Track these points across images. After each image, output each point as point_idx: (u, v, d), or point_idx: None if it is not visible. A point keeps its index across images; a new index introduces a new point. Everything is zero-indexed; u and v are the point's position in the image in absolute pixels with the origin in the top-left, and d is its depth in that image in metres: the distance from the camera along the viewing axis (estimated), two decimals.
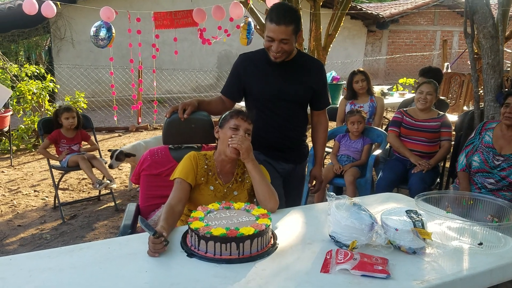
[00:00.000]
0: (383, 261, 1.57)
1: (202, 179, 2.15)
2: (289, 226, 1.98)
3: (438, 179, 3.73)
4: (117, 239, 1.87)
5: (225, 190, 2.18)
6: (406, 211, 1.78)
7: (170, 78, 10.84)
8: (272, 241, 1.77)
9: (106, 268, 1.57)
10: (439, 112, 3.73)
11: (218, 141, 2.21)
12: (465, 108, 6.44)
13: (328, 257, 1.63)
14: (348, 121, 3.95)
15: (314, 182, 2.85)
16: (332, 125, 5.22)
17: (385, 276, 1.49)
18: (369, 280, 1.48)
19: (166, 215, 1.87)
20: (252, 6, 7.36)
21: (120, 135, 8.04)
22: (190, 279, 1.50)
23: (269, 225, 1.73)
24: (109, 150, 4.57)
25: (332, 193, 1.82)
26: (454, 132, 3.86)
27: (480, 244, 1.72)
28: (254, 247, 1.65)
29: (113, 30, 6.55)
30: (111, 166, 4.43)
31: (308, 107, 2.71)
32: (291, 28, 2.29)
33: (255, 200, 2.23)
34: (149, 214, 2.54)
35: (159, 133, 8.13)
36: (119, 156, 4.43)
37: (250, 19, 7.16)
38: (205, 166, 2.17)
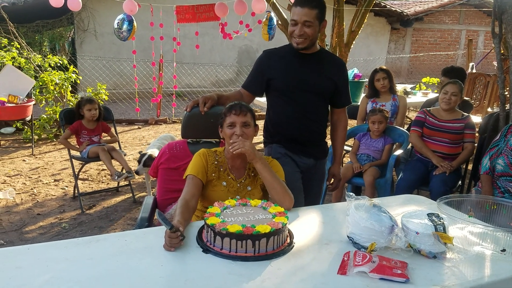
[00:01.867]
0: (403, 264, 1.54)
1: (214, 175, 2.14)
2: (306, 225, 1.96)
3: (460, 182, 3.65)
4: (134, 232, 1.88)
5: (238, 185, 2.17)
6: (428, 214, 1.74)
7: (190, 72, 10.88)
8: (288, 240, 1.74)
9: (122, 261, 1.57)
10: (463, 113, 3.65)
11: (225, 138, 2.19)
12: (489, 109, 6.29)
13: (345, 258, 1.60)
14: (370, 120, 3.89)
15: (332, 180, 2.85)
16: (353, 123, 5.17)
17: (404, 280, 1.46)
18: (388, 284, 1.45)
19: (182, 209, 1.87)
20: (274, 1, 7.32)
21: (139, 128, 8.11)
22: (204, 275, 1.48)
23: (286, 223, 1.71)
24: (139, 153, 4.27)
25: (351, 193, 1.79)
26: (477, 134, 3.77)
27: (503, 250, 1.66)
28: (270, 246, 1.63)
29: (135, 23, 6.59)
30: (137, 173, 4.12)
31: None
32: (315, 12, 2.33)
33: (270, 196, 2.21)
34: (166, 207, 2.55)
35: (178, 126, 8.17)
36: (148, 162, 4.03)
37: (272, 14, 7.11)
38: (215, 162, 2.16)
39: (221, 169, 2.16)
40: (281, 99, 2.56)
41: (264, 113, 2.93)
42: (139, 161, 4.08)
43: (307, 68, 2.50)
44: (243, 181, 2.19)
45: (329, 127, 2.81)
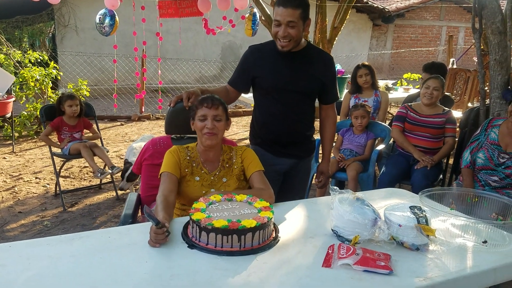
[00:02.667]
0: (386, 257, 1.56)
1: (187, 170, 2.13)
2: (291, 219, 1.97)
3: (441, 176, 3.71)
4: (118, 229, 1.86)
5: (212, 178, 2.16)
6: (410, 207, 1.76)
7: (174, 68, 10.80)
8: (273, 234, 1.75)
9: (106, 258, 1.56)
10: (444, 108, 3.70)
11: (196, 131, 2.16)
12: (469, 104, 6.39)
13: (330, 251, 1.62)
14: (352, 115, 3.92)
15: (320, 178, 2.81)
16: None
17: (387, 272, 1.48)
18: (371, 275, 1.47)
19: (163, 205, 1.85)
20: None
21: (122, 124, 8.03)
22: (190, 271, 1.48)
23: (271, 218, 1.71)
24: (125, 161, 4.05)
25: (335, 187, 1.80)
26: (458, 129, 3.82)
27: (485, 242, 1.70)
28: (256, 240, 1.64)
29: (117, 18, 6.51)
30: (121, 189, 3.95)
31: (317, 102, 2.68)
32: (298, 12, 2.27)
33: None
34: (150, 204, 2.53)
35: (161, 123, 8.12)
36: (131, 177, 3.88)
37: (255, 10, 7.10)
38: (187, 158, 2.15)
39: (194, 164, 2.15)
40: (266, 98, 2.52)
41: (249, 109, 2.92)
42: (122, 176, 3.92)
43: (293, 67, 2.45)
44: (217, 173, 2.17)
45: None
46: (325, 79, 2.53)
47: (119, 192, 4.43)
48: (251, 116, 2.76)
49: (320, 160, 2.82)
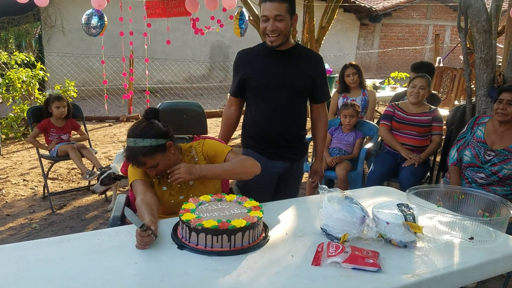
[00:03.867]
0: (374, 254, 1.57)
1: (154, 180, 2.09)
2: (281, 218, 1.97)
3: (429, 173, 3.75)
4: (107, 231, 1.85)
5: (178, 185, 2.11)
6: (398, 205, 1.78)
7: (162, 68, 10.76)
8: (263, 234, 1.76)
9: (95, 260, 1.55)
10: (431, 106, 3.74)
11: None
12: (456, 102, 6.46)
13: (319, 250, 1.63)
14: (341, 114, 3.94)
15: (314, 177, 2.81)
16: None
17: (376, 270, 1.49)
18: (360, 273, 1.48)
19: (145, 207, 1.80)
20: None
21: (110, 125, 7.98)
22: (180, 272, 1.48)
23: (261, 217, 1.72)
24: (101, 169, 3.92)
25: (324, 186, 1.82)
26: (445, 127, 3.87)
27: (471, 238, 1.72)
28: (246, 240, 1.64)
29: (105, 18, 6.47)
30: (93, 192, 3.76)
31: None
32: (285, 6, 2.28)
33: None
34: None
35: None
36: (105, 181, 3.68)
37: (243, 9, 7.10)
38: None
39: (159, 176, 2.10)
40: (258, 98, 2.52)
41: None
42: (97, 179, 3.77)
43: (283, 65, 2.46)
44: None
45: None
46: (316, 76, 2.53)
47: (108, 194, 4.40)
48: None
49: (310, 160, 2.83)
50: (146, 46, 7.11)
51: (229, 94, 2.65)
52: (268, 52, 2.44)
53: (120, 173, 3.72)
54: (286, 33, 2.35)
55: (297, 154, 2.66)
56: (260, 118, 2.53)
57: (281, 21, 2.29)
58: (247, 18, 7.12)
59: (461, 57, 9.54)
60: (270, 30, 2.31)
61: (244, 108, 2.66)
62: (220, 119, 2.78)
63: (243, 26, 7.01)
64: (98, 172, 4.12)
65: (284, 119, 2.51)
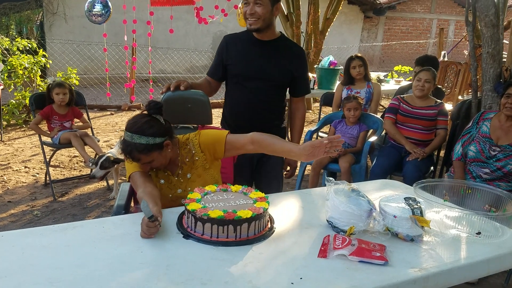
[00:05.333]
0: (381, 247, 1.56)
1: (150, 173, 2.07)
2: (287, 210, 1.96)
3: (432, 168, 3.73)
4: (112, 219, 1.85)
5: (176, 178, 2.09)
6: (405, 198, 1.77)
7: (164, 57, 10.71)
8: (269, 225, 1.75)
9: (100, 247, 1.54)
10: (437, 100, 3.72)
11: None
12: (460, 97, 6.43)
13: (325, 242, 1.62)
14: (345, 107, 3.91)
15: (288, 168, 2.87)
16: (328, 110, 5.21)
17: (382, 263, 1.48)
18: (367, 266, 1.47)
19: (150, 198, 1.76)
20: None
21: (112, 114, 7.96)
22: (186, 261, 1.48)
23: (267, 208, 1.71)
24: (97, 156, 3.91)
25: (331, 178, 1.80)
26: (450, 121, 3.85)
27: (478, 233, 1.71)
28: (252, 230, 1.63)
29: (110, 6, 6.43)
30: (93, 177, 3.74)
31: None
32: None
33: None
34: None
35: None
36: (104, 164, 3.71)
37: None
38: None
39: (155, 169, 2.08)
40: (236, 86, 2.59)
41: None
42: (95, 163, 3.77)
43: (263, 56, 2.51)
44: (180, 172, 2.09)
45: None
46: (296, 72, 2.59)
47: (110, 182, 4.40)
48: None
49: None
50: (149, 36, 7.06)
51: (206, 75, 2.71)
52: (251, 41, 2.52)
53: (119, 157, 3.77)
54: (265, 18, 2.40)
55: None
56: (236, 107, 2.61)
57: (260, 6, 2.36)
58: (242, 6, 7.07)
59: (465, 51, 9.49)
60: (249, 14, 2.39)
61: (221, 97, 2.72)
62: (221, 110, 2.80)
63: None
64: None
65: (259, 109, 2.57)
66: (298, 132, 2.80)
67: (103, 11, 6.13)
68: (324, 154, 1.75)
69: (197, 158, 2.10)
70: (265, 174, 2.71)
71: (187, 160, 2.10)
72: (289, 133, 2.97)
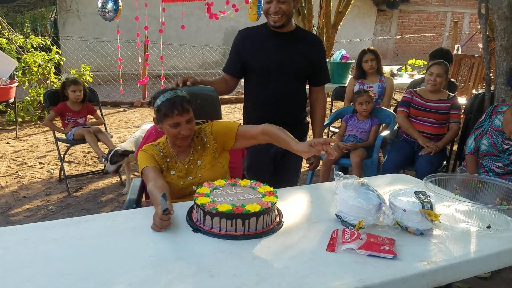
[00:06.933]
0: (390, 241, 1.56)
1: (163, 166, 2.09)
2: (295, 204, 1.97)
3: (445, 162, 3.70)
4: (123, 212, 1.87)
5: (186, 167, 2.11)
6: (415, 192, 1.76)
7: (176, 53, 10.75)
8: (277, 219, 1.76)
9: (112, 241, 1.57)
10: (450, 93, 3.68)
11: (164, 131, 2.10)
12: (473, 91, 6.35)
13: (334, 236, 1.62)
14: (356, 102, 3.89)
15: (312, 159, 2.87)
16: (340, 104, 5.18)
17: (391, 257, 1.48)
18: (376, 260, 1.47)
19: (161, 192, 1.77)
20: None
21: (125, 110, 8.02)
22: (195, 254, 1.49)
23: (275, 202, 1.72)
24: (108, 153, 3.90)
25: (340, 172, 1.80)
26: (463, 115, 3.80)
27: (489, 227, 1.70)
28: (260, 224, 1.65)
29: (120, 3, 6.46)
30: (106, 172, 3.84)
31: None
32: None
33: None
34: None
35: None
36: (113, 158, 3.76)
37: None
38: (161, 154, 2.10)
39: (168, 160, 2.11)
40: (257, 81, 2.56)
41: None
42: (106, 158, 3.82)
43: (282, 48, 2.50)
44: (191, 158, 2.13)
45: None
46: (316, 60, 2.58)
47: (123, 178, 4.45)
48: None
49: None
50: (161, 32, 7.09)
51: (223, 72, 2.67)
52: (268, 34, 2.51)
53: (128, 149, 3.83)
54: (289, 13, 2.41)
55: (296, 135, 2.68)
56: (260, 99, 2.58)
57: (284, 3, 2.36)
58: (263, 3, 7.06)
59: (480, 45, 9.35)
60: (274, 11, 2.37)
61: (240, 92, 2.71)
62: (232, 106, 2.81)
63: (260, 12, 6.96)
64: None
65: (283, 101, 2.56)
66: (319, 122, 2.76)
67: (113, 8, 6.16)
68: (321, 153, 1.76)
69: (208, 146, 2.14)
70: (284, 172, 2.71)
71: (199, 147, 2.15)
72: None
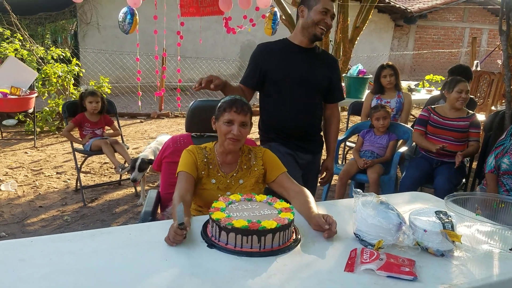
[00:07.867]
0: (410, 262, 1.52)
1: (203, 172, 2.07)
2: None
3: (464, 180, 3.63)
4: (138, 226, 1.86)
5: (228, 181, 2.10)
6: (436, 212, 1.72)
7: (193, 66, 10.84)
8: (294, 236, 1.73)
9: (126, 254, 1.55)
10: (469, 111, 3.61)
11: (217, 132, 2.10)
12: (493, 108, 6.26)
13: (352, 255, 1.59)
14: (373, 117, 3.85)
15: (324, 174, 2.92)
16: (356, 119, 5.15)
17: (412, 278, 1.44)
18: (395, 281, 1.43)
19: (184, 207, 1.75)
20: None
21: (142, 122, 8.09)
22: (210, 270, 1.47)
23: (292, 219, 1.69)
24: (131, 160, 4.01)
25: (358, 190, 1.77)
26: (482, 132, 3.73)
27: None
28: (276, 241, 1.62)
29: (136, 16, 6.55)
30: (134, 180, 3.88)
31: None
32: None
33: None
34: (169, 201, 2.52)
35: (180, 121, 8.15)
36: (142, 166, 3.86)
37: (276, 9, 7.07)
38: (205, 160, 2.09)
39: (210, 167, 2.10)
40: (277, 93, 2.59)
41: None
42: (132, 167, 3.88)
43: (304, 62, 2.57)
44: (234, 174, 2.12)
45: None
46: (332, 76, 2.67)
47: (138, 189, 4.45)
48: None
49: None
50: (179, 46, 7.16)
51: (240, 84, 2.67)
52: (289, 49, 2.58)
53: (152, 158, 3.91)
54: (328, 29, 2.55)
55: (317, 147, 2.80)
56: (280, 111, 2.61)
57: (333, 19, 2.53)
58: (279, 18, 7.09)
59: (499, 61, 9.24)
60: (326, 25, 2.49)
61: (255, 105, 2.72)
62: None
63: (275, 27, 7.00)
64: (129, 167, 4.16)
65: (304, 112, 2.61)
66: (334, 137, 2.84)
67: (130, 21, 6.25)
68: (325, 227, 1.72)
69: (256, 169, 2.14)
70: (305, 183, 2.69)
71: (245, 167, 2.15)
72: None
